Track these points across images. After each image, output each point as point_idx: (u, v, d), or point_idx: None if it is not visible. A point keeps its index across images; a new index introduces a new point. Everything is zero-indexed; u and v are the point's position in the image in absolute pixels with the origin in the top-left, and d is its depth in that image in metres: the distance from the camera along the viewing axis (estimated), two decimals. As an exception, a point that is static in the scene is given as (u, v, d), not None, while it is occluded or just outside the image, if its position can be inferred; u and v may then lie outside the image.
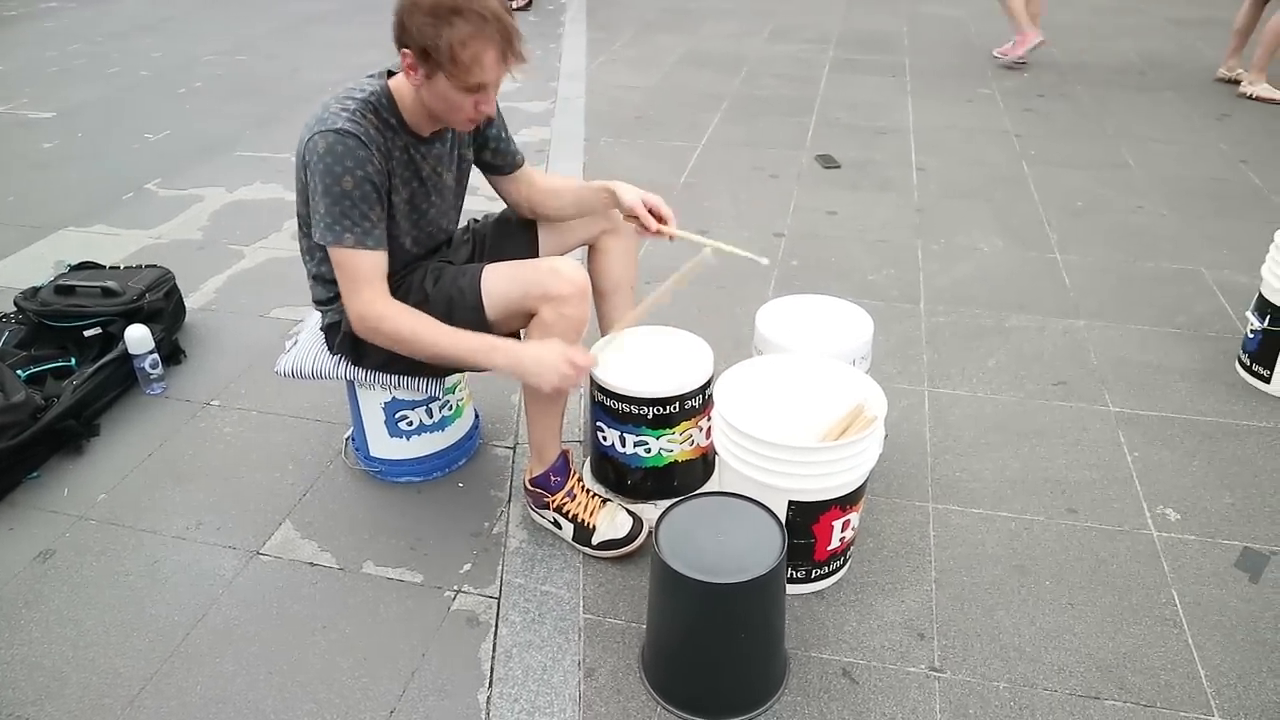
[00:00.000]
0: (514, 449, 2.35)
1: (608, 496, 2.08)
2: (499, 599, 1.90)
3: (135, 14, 7.54)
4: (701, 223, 3.57)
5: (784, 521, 1.72)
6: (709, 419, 2.06)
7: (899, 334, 2.80)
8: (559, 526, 2.02)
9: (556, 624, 1.83)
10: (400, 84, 1.80)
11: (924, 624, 1.82)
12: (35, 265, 3.32)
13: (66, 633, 1.84)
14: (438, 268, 1.96)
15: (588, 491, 2.03)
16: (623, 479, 2.11)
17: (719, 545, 1.61)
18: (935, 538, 2.03)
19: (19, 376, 2.39)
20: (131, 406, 2.53)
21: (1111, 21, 6.76)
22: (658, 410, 1.99)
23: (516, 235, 2.14)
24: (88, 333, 2.63)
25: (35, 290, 2.73)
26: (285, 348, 2.17)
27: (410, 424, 2.16)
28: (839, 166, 4.12)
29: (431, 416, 2.17)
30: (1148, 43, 6.16)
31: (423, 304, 1.86)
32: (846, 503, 1.80)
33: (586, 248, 2.18)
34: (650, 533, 1.63)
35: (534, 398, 1.93)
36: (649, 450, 2.04)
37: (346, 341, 1.96)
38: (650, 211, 2.00)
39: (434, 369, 1.98)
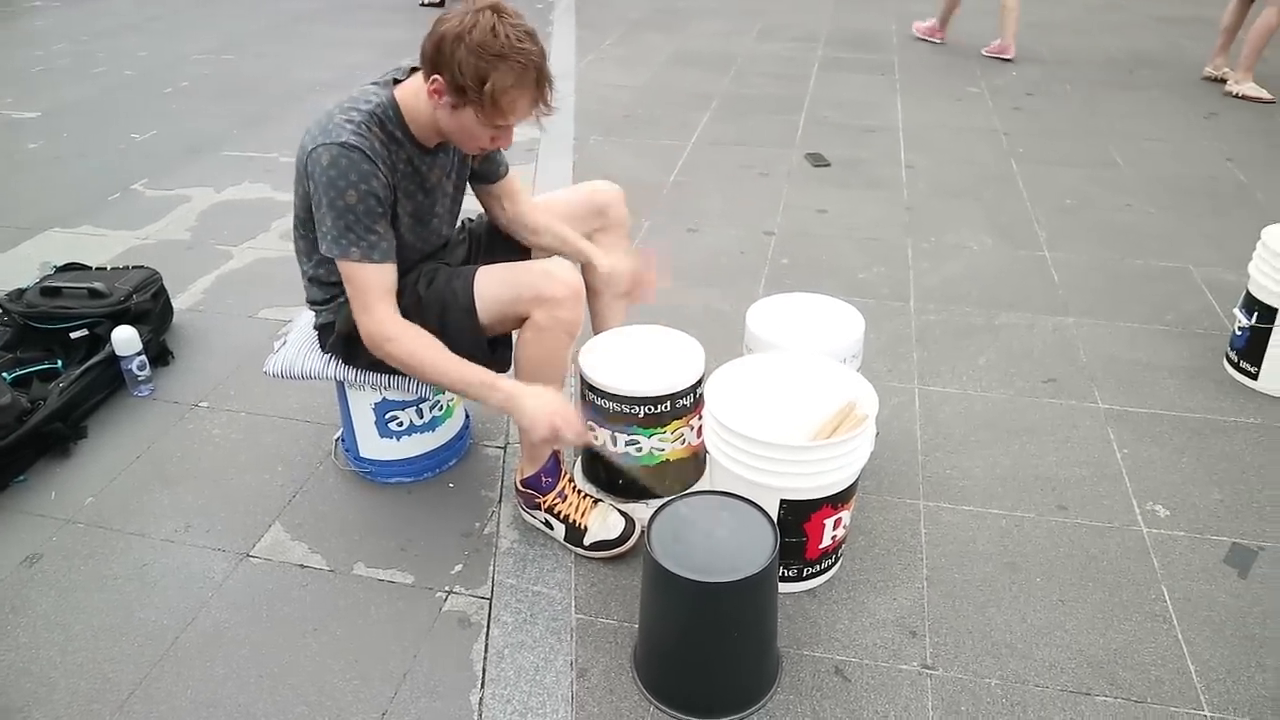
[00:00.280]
0: (505, 449, 2.35)
1: (599, 497, 2.08)
2: (490, 600, 1.90)
3: (121, 13, 7.49)
4: (691, 221, 3.57)
5: (775, 520, 1.72)
6: (700, 418, 2.06)
7: (889, 332, 2.81)
8: (550, 527, 2.01)
9: (548, 624, 1.83)
10: (409, 96, 1.78)
11: (916, 622, 1.82)
12: (21, 266, 3.29)
13: (54, 637, 1.82)
14: (431, 269, 1.95)
15: (579, 492, 2.02)
16: (614, 479, 2.11)
17: (711, 544, 1.61)
18: (927, 535, 2.04)
19: (4, 379, 2.37)
20: (119, 408, 2.52)
21: (1099, 19, 6.79)
22: (649, 409, 1.99)
23: (510, 236, 2.14)
24: (74, 334, 2.61)
25: (21, 292, 2.71)
26: (274, 348, 2.16)
27: (400, 424, 2.15)
28: (828, 165, 4.12)
29: (422, 417, 2.16)
30: (1135, 41, 6.19)
31: (416, 306, 1.86)
32: (838, 501, 1.80)
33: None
34: (642, 532, 1.63)
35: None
36: (640, 449, 2.04)
37: (340, 342, 1.95)
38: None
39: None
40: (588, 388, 2.04)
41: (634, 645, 1.76)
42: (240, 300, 3.07)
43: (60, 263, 2.97)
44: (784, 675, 1.71)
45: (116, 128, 4.79)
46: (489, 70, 1.63)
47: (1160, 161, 4.14)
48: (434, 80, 1.67)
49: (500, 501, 2.16)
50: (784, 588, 1.86)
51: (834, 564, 1.93)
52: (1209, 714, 1.64)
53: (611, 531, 1.96)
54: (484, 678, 1.72)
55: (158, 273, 2.87)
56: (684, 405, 2.02)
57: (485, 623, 1.84)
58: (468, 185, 2.07)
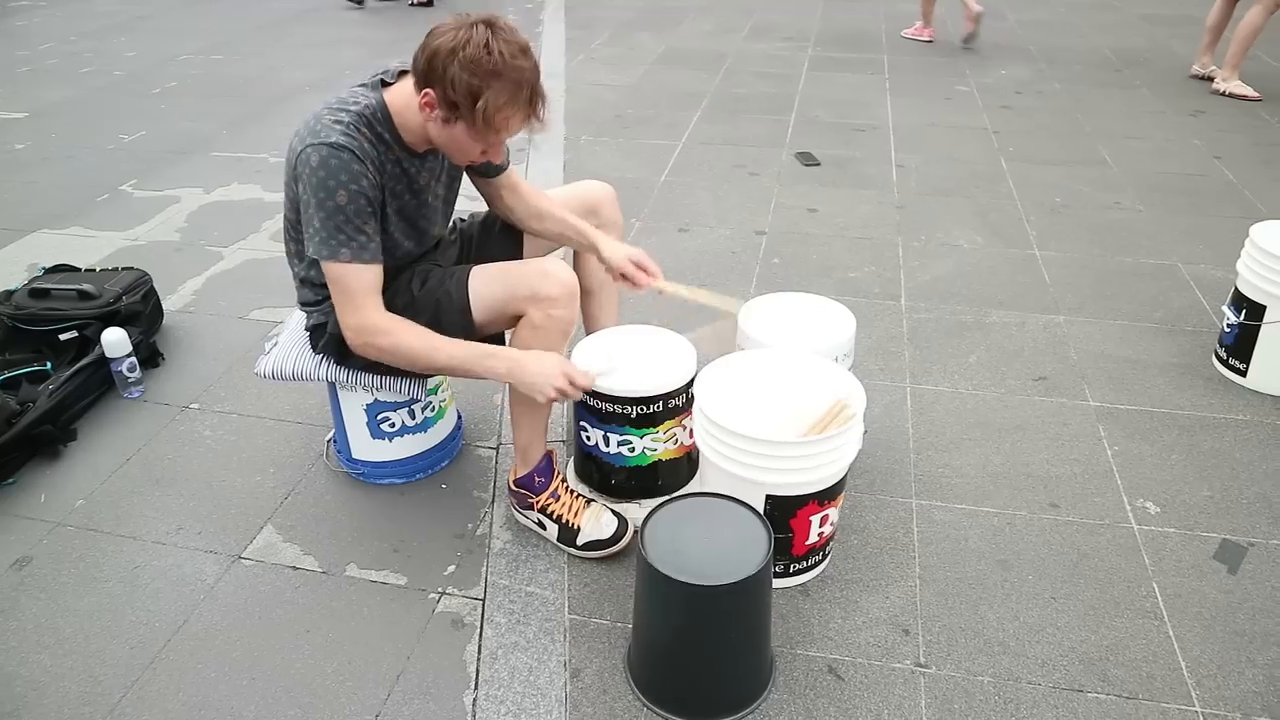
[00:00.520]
0: (497, 450, 2.35)
1: (592, 497, 2.08)
2: (483, 600, 1.89)
3: (108, 13, 7.45)
4: (682, 221, 3.58)
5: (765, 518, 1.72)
6: (693, 417, 2.06)
7: (881, 330, 2.81)
8: (543, 527, 2.01)
9: (542, 625, 1.82)
10: (399, 100, 1.76)
11: (909, 620, 1.83)
12: (8, 268, 3.28)
13: (45, 641, 1.81)
14: (424, 270, 1.95)
15: (572, 492, 2.02)
16: (607, 479, 2.11)
17: (705, 546, 1.61)
18: (919, 533, 2.04)
19: (-7, 381, 2.36)
20: (109, 410, 2.50)
21: (1087, 18, 6.82)
22: (641, 409, 1.99)
23: (502, 236, 2.14)
24: (63, 336, 2.59)
25: (9, 293, 2.70)
26: (265, 349, 2.15)
27: (392, 426, 2.14)
28: (819, 164, 4.13)
29: (414, 418, 2.16)
30: (1123, 39, 6.22)
31: (409, 306, 1.85)
32: (825, 498, 1.80)
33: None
34: (635, 532, 1.63)
35: (519, 399, 1.92)
36: (633, 449, 2.04)
37: (332, 343, 1.95)
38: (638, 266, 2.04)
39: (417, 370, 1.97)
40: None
41: (628, 646, 1.76)
42: (231, 302, 3.05)
43: (49, 264, 2.96)
44: (778, 675, 1.71)
45: (105, 128, 4.76)
46: (482, 88, 1.61)
47: (1148, 159, 4.16)
48: (426, 94, 1.66)
49: (493, 502, 2.16)
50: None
51: (822, 560, 1.93)
52: (1200, 710, 1.64)
53: (604, 531, 1.96)
54: (477, 679, 1.72)
55: (147, 274, 2.86)
56: (676, 405, 2.02)
57: (478, 624, 1.84)
58: (465, 181, 2.07)
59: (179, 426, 2.45)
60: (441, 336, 1.78)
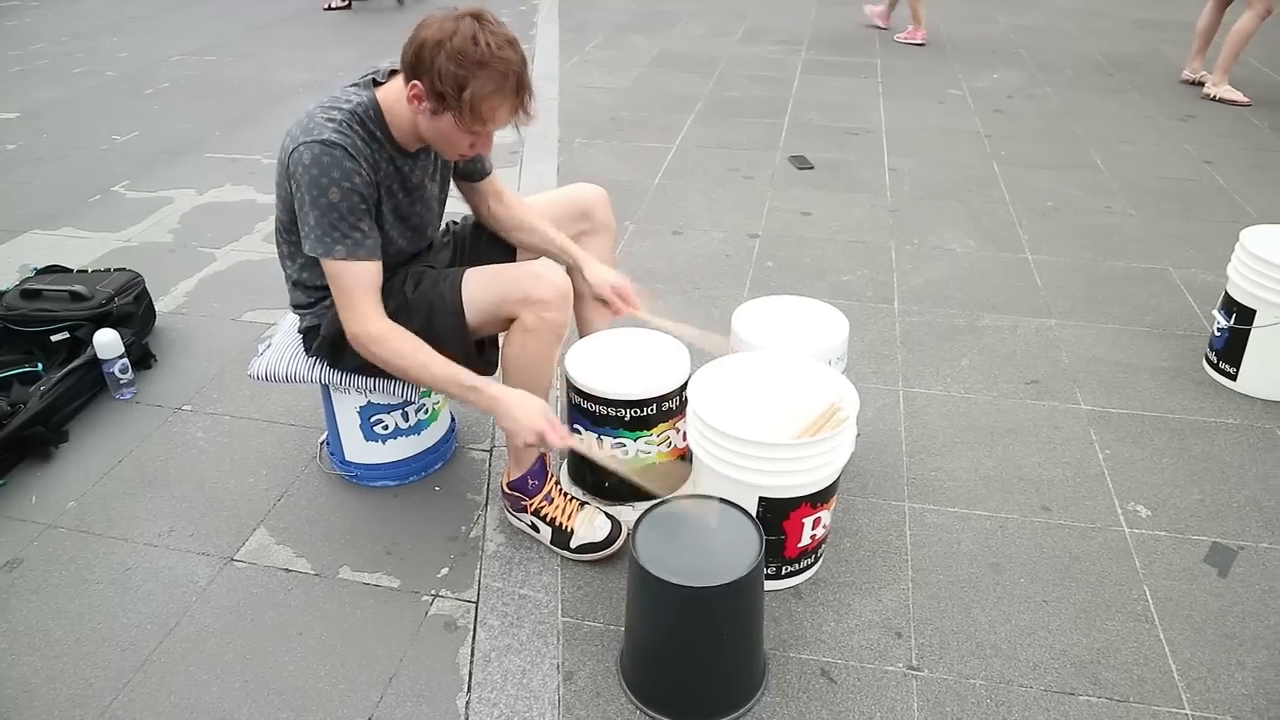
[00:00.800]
0: (490, 452, 2.34)
1: (585, 499, 2.08)
2: (477, 603, 1.89)
3: (100, 13, 7.43)
4: (675, 224, 3.58)
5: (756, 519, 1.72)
6: (686, 420, 2.06)
7: (874, 334, 2.82)
8: (537, 530, 2.01)
9: (535, 627, 1.82)
10: (390, 98, 1.77)
11: (901, 623, 1.83)
12: (0, 269, 3.26)
13: (35, 643, 1.81)
14: (418, 272, 1.95)
15: (565, 495, 2.02)
16: (600, 481, 2.11)
17: (696, 549, 1.61)
18: (911, 537, 2.05)
19: (-16, 382, 2.35)
20: (101, 412, 2.50)
21: (1078, 23, 6.85)
22: (635, 412, 1.99)
23: (495, 238, 2.14)
24: (55, 337, 2.59)
25: (0, 294, 2.69)
26: (258, 351, 2.15)
27: (386, 428, 2.14)
28: (812, 167, 4.14)
29: (407, 420, 2.16)
30: (1114, 44, 6.25)
31: (403, 308, 1.85)
32: (817, 500, 1.81)
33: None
34: (629, 535, 1.63)
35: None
36: (626, 452, 2.04)
37: (325, 345, 1.95)
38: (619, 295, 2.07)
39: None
40: (574, 390, 2.04)
41: (620, 649, 1.76)
42: (223, 303, 3.05)
43: (40, 265, 2.95)
44: (771, 678, 1.71)
45: (97, 129, 4.75)
46: (469, 77, 1.62)
47: (1139, 164, 4.18)
48: (413, 86, 1.67)
49: (486, 505, 2.16)
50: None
51: (814, 563, 1.93)
52: (1190, 713, 1.65)
53: (598, 534, 1.96)
54: (470, 681, 1.72)
55: (140, 275, 2.85)
56: (670, 408, 2.02)
57: (471, 626, 1.84)
58: (452, 185, 2.07)
59: (171, 428, 2.44)
60: (435, 355, 1.77)
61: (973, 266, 3.25)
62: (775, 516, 1.79)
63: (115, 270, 2.87)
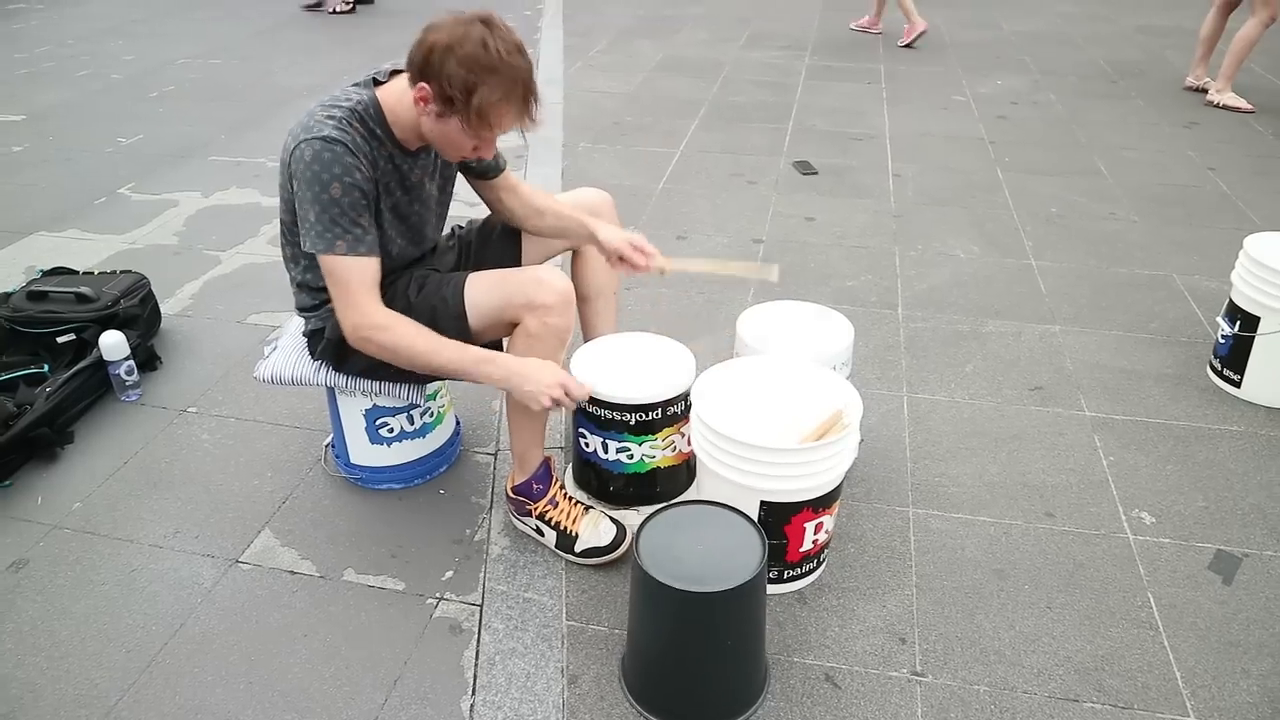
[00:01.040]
0: (495, 456, 2.35)
1: (590, 504, 2.08)
2: (481, 606, 1.89)
3: (105, 16, 7.45)
4: (680, 229, 3.59)
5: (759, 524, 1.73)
6: (690, 424, 2.06)
7: (877, 339, 2.82)
8: (541, 534, 2.01)
9: (539, 631, 1.83)
10: (391, 97, 1.78)
11: (905, 628, 1.83)
12: (6, 270, 3.27)
13: (40, 643, 1.81)
14: (422, 275, 1.95)
15: (570, 499, 2.03)
16: (605, 485, 2.11)
17: (700, 553, 1.61)
18: (916, 542, 2.05)
19: (-10, 384, 2.36)
20: (106, 414, 2.50)
21: (1082, 30, 6.85)
22: (640, 416, 1.99)
23: (500, 242, 2.15)
24: (61, 339, 2.59)
25: (7, 295, 2.70)
26: (264, 353, 2.16)
27: (391, 431, 2.14)
28: (816, 173, 4.14)
29: (412, 423, 2.16)
30: (1117, 51, 6.25)
31: (406, 312, 1.85)
32: (820, 505, 1.81)
33: (569, 253, 2.19)
34: (633, 540, 1.64)
35: (516, 406, 1.92)
36: (631, 456, 2.04)
37: (330, 348, 1.95)
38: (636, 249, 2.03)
39: (416, 375, 1.97)
40: (579, 394, 2.04)
41: (622, 654, 1.77)
42: (228, 306, 3.05)
43: (46, 266, 2.95)
44: (774, 682, 1.71)
45: (103, 131, 4.76)
46: (477, 83, 1.63)
47: (1143, 171, 4.18)
48: (421, 88, 1.68)
49: (491, 508, 2.16)
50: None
51: (816, 568, 1.94)
52: None
53: (602, 538, 1.96)
54: (475, 684, 1.72)
55: (146, 277, 2.86)
56: (675, 413, 2.03)
57: (476, 629, 1.84)
58: (462, 186, 2.08)
59: (176, 430, 2.44)
60: (441, 338, 1.78)
61: (977, 272, 3.26)
62: (777, 521, 1.79)
63: (121, 272, 2.88)
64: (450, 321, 1.86)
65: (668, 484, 2.13)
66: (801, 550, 1.86)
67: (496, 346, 2.01)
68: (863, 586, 1.93)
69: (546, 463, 2.01)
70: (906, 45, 6.28)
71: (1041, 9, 7.49)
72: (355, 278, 1.76)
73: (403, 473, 2.21)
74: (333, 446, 2.29)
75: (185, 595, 1.92)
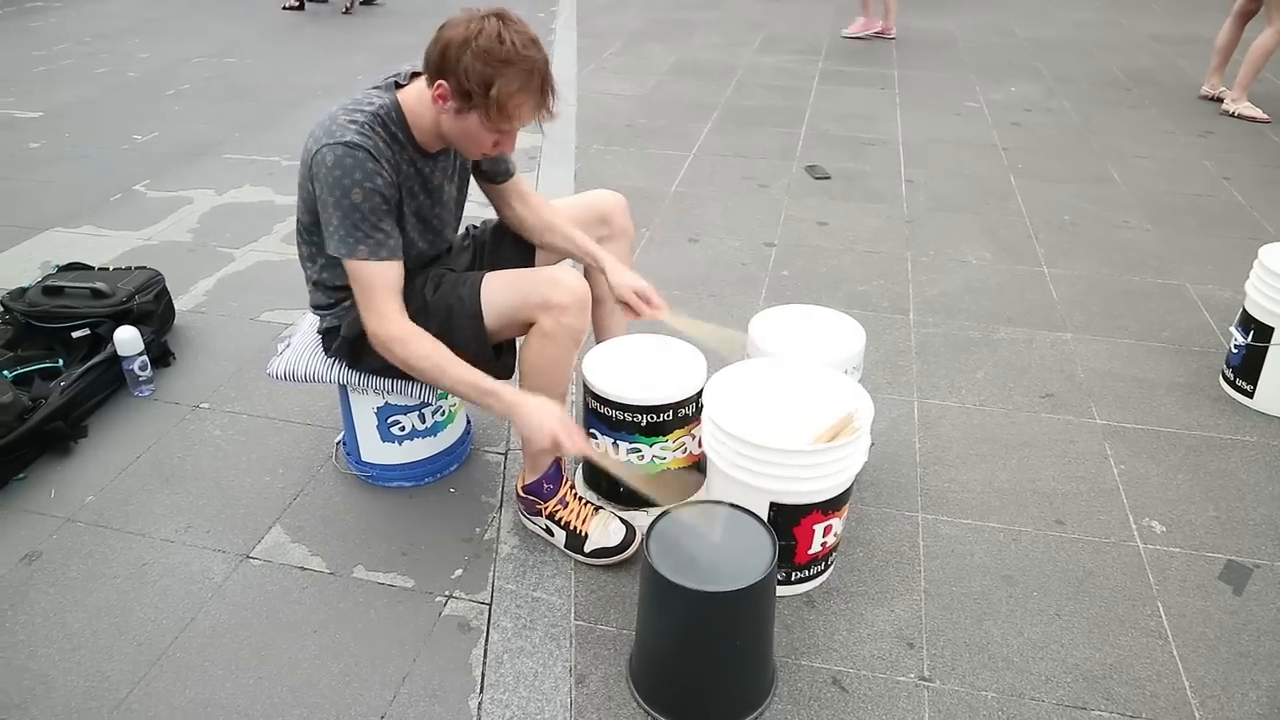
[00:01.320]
0: (505, 455, 2.35)
1: (600, 504, 2.09)
2: (490, 605, 1.90)
3: (122, 15, 7.50)
4: (692, 232, 3.59)
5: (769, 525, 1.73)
6: (701, 425, 2.07)
7: (889, 344, 2.82)
8: (551, 534, 2.02)
9: (548, 630, 1.83)
10: (412, 100, 1.79)
11: (913, 633, 1.83)
12: (22, 266, 3.30)
13: (53, 635, 1.82)
14: (438, 275, 1.96)
15: (580, 499, 2.03)
16: (615, 486, 2.12)
17: (709, 554, 1.61)
18: (925, 547, 2.05)
19: (6, 377, 2.37)
20: (120, 408, 2.52)
21: (1095, 37, 6.84)
22: (651, 418, 2.00)
23: (515, 242, 2.15)
24: (76, 334, 2.61)
25: (23, 290, 2.72)
26: (277, 350, 2.17)
27: (402, 429, 2.15)
28: (829, 177, 4.15)
29: (424, 422, 2.17)
30: (1132, 59, 6.24)
31: (422, 310, 1.87)
32: (828, 508, 1.81)
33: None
34: (643, 540, 1.64)
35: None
36: (642, 457, 2.05)
37: (345, 346, 1.96)
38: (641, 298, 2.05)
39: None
40: (590, 395, 2.05)
41: (630, 653, 1.77)
42: (241, 303, 3.07)
43: (62, 262, 2.97)
44: (781, 685, 1.72)
45: (118, 129, 4.79)
46: (495, 75, 1.64)
47: (1157, 179, 4.17)
48: (439, 85, 1.69)
49: (501, 507, 2.17)
50: (777, 593, 1.87)
51: (824, 570, 1.94)
52: (1204, 729, 1.65)
53: (612, 539, 1.97)
54: (483, 682, 1.73)
55: (160, 274, 2.88)
56: (686, 414, 2.03)
57: (485, 628, 1.85)
58: (474, 186, 2.09)
59: (189, 426, 2.46)
60: (454, 358, 1.78)
61: (988, 279, 3.25)
62: (786, 522, 1.79)
63: (136, 268, 2.90)
64: (466, 321, 1.87)
65: (677, 486, 2.13)
66: (810, 552, 1.86)
67: (511, 345, 2.02)
68: (871, 591, 1.93)
69: (557, 463, 2.01)
70: (854, 37, 6.60)
71: (1056, 16, 7.48)
72: (379, 283, 1.77)
73: (413, 471, 2.22)
74: (344, 444, 2.30)
75: (196, 590, 1.93)
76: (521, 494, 2.03)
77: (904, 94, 5.41)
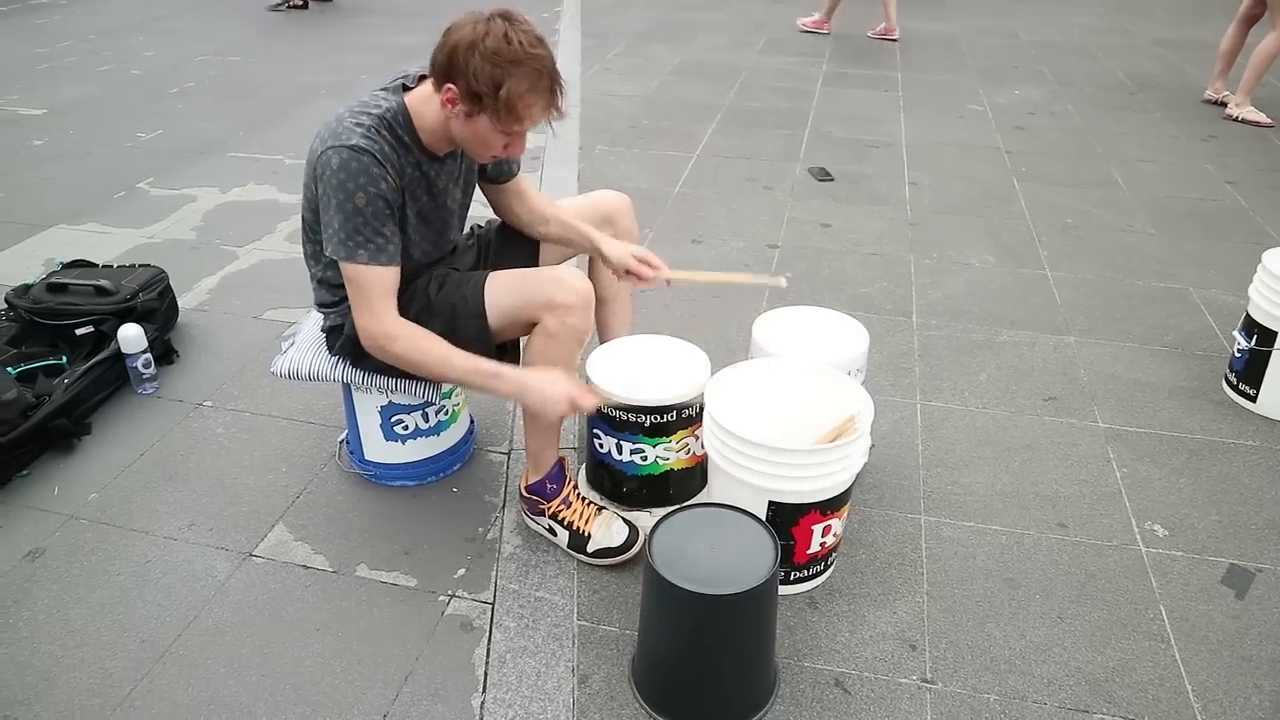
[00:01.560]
0: (509, 455, 2.36)
1: (603, 504, 2.09)
2: (493, 604, 1.90)
3: (126, 12, 7.51)
4: (695, 233, 3.59)
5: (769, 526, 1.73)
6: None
7: (892, 346, 2.82)
8: (554, 534, 2.02)
9: (550, 630, 1.83)
10: (420, 103, 1.79)
11: (916, 635, 1.83)
12: (26, 263, 3.30)
13: (56, 632, 1.82)
14: (442, 274, 1.96)
15: (583, 499, 2.03)
16: (618, 486, 2.12)
17: (712, 556, 1.61)
18: (927, 550, 2.05)
19: (9, 374, 2.37)
20: (123, 406, 2.52)
21: (1099, 41, 6.84)
22: (655, 419, 2.00)
23: (519, 242, 2.16)
24: (80, 331, 2.61)
25: (27, 288, 2.72)
26: (281, 348, 2.17)
27: (406, 428, 2.16)
28: (832, 179, 4.15)
29: (427, 421, 2.17)
30: (1135, 63, 6.24)
31: (425, 310, 1.87)
32: (828, 508, 1.81)
33: (586, 255, 2.19)
34: (645, 541, 1.64)
35: (531, 406, 1.93)
36: (645, 458, 2.05)
37: (348, 344, 1.96)
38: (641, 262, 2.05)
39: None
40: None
41: (632, 654, 1.77)
42: (245, 301, 3.07)
43: (66, 259, 2.98)
44: (783, 687, 1.72)
45: (122, 126, 4.80)
46: (504, 76, 1.64)
47: (1160, 183, 4.17)
48: (448, 89, 1.69)
49: (504, 507, 2.17)
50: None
51: (824, 570, 1.94)
52: (1206, 733, 1.65)
53: (615, 539, 1.97)
54: (485, 682, 1.73)
55: (164, 271, 2.88)
56: (690, 415, 2.03)
57: (487, 627, 1.85)
58: (476, 187, 2.09)
59: (192, 423, 2.46)
60: (453, 349, 1.79)
61: (991, 282, 3.25)
62: (785, 521, 1.80)
63: (140, 266, 2.90)
64: (470, 320, 1.88)
65: (681, 486, 2.13)
66: (809, 552, 1.86)
67: (515, 345, 2.02)
68: (874, 592, 1.93)
69: (560, 463, 2.02)
70: (804, 31, 6.84)
71: (1060, 20, 7.48)
72: (375, 287, 1.77)
73: (416, 470, 2.22)
74: (347, 443, 2.30)
75: (199, 587, 1.93)
76: (524, 494, 2.03)
77: (908, 96, 5.41)
